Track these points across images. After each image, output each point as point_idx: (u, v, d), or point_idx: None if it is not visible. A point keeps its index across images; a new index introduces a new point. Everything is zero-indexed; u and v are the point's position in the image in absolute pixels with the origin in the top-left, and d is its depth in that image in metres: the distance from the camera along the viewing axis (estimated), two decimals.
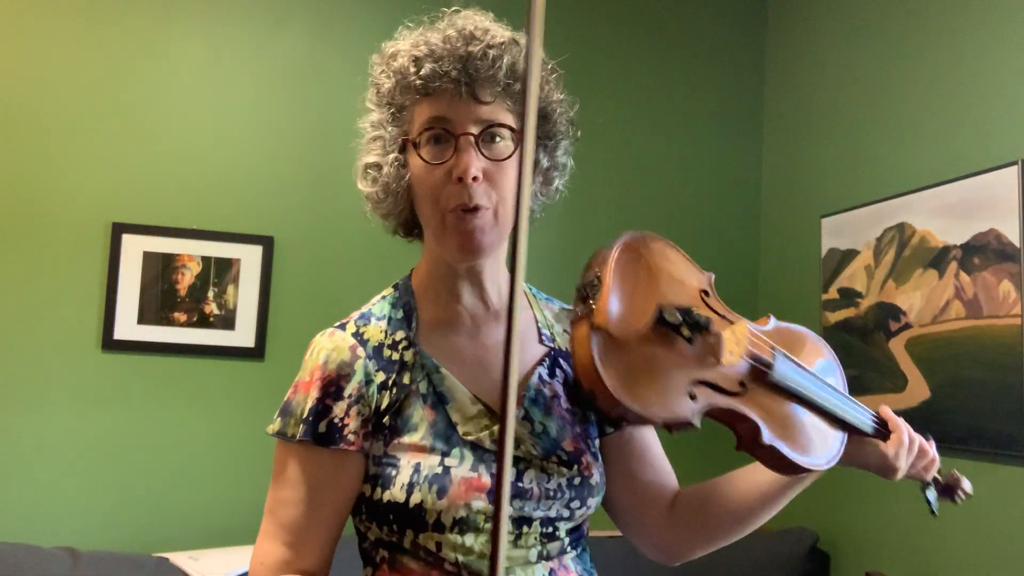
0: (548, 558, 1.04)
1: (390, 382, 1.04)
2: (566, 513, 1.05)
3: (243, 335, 2.65)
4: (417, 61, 1.02)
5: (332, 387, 1.03)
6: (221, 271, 2.65)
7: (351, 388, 1.03)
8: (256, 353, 2.66)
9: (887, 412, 1.15)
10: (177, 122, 2.67)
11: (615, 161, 3.03)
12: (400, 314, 1.09)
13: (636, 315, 0.95)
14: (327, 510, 1.03)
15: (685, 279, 1.03)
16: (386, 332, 1.07)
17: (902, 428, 1.14)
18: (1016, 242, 2.10)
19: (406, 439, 1.01)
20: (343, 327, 1.08)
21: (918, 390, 2.34)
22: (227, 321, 2.65)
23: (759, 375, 1.02)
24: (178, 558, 2.27)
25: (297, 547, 1.02)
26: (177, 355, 2.61)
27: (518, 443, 1.04)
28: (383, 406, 1.03)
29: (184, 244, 2.62)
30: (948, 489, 1.23)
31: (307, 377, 1.05)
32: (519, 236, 0.69)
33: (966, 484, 1.23)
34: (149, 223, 2.61)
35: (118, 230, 2.57)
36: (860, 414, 1.12)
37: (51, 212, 2.54)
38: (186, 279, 2.62)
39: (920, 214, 2.42)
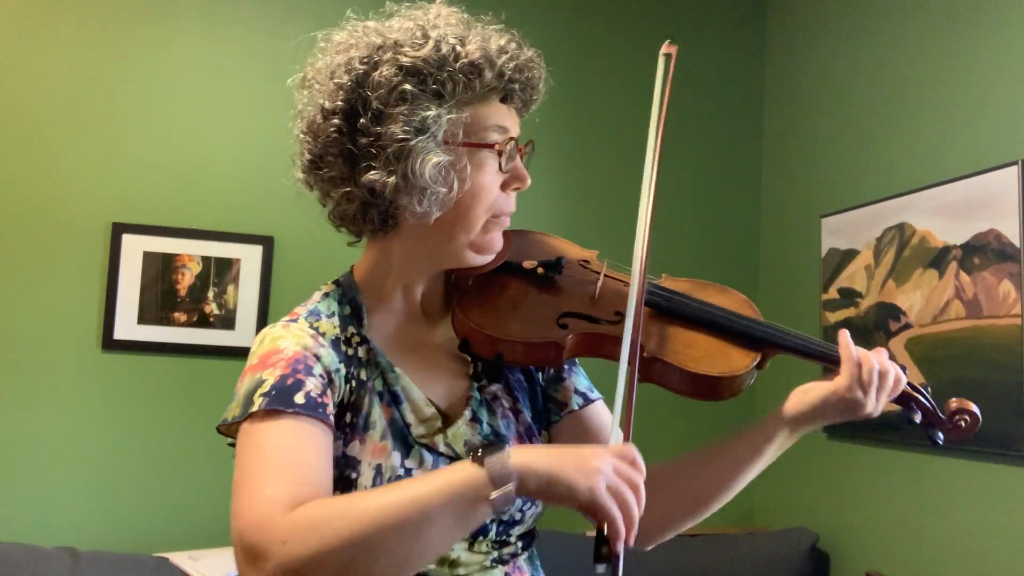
0: (503, 562, 1.03)
1: (349, 376, 0.99)
2: (518, 516, 1.04)
3: (243, 335, 2.65)
4: (492, 62, 1.00)
5: (300, 364, 0.94)
6: (221, 271, 2.65)
7: (320, 369, 0.96)
8: None
9: (844, 340, 1.09)
10: (177, 122, 2.67)
11: (614, 161, 3.03)
12: (348, 310, 1.05)
13: (492, 266, 1.08)
14: (323, 469, 0.90)
15: (563, 251, 1.16)
16: (339, 328, 1.02)
17: (855, 358, 1.06)
18: (1016, 242, 2.10)
19: (366, 437, 0.98)
20: (294, 321, 1.02)
21: None
22: (227, 321, 2.65)
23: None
24: (178, 558, 2.27)
25: (318, 487, 0.88)
26: (177, 355, 2.61)
27: (468, 446, 1.03)
28: (345, 400, 0.98)
29: (184, 244, 2.62)
30: (951, 419, 1.12)
31: (255, 361, 0.96)
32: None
33: (970, 405, 1.13)
34: (149, 223, 2.61)
35: (118, 230, 2.57)
36: (778, 332, 1.11)
37: (51, 212, 2.54)
38: (186, 279, 2.62)
39: (920, 214, 2.42)
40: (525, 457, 0.84)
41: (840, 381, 1.06)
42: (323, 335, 1.00)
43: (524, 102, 1.08)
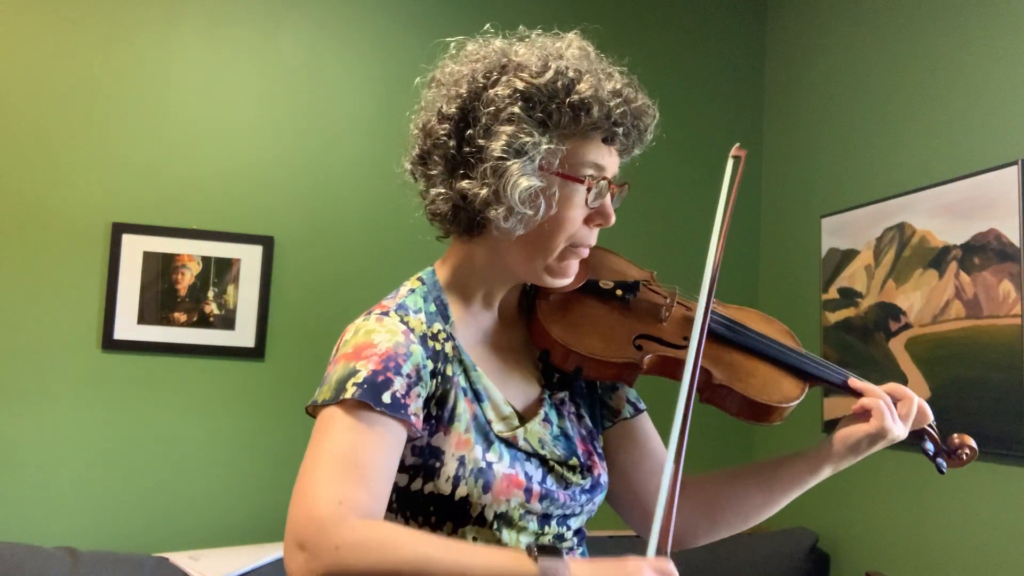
0: None
1: (436, 371, 1.03)
2: (577, 510, 1.10)
3: (243, 335, 2.65)
4: (601, 103, 1.04)
5: (391, 362, 0.98)
6: (221, 271, 2.65)
7: (409, 368, 0.99)
8: (256, 353, 2.66)
9: (856, 383, 1.18)
10: (177, 122, 2.67)
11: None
12: (433, 308, 1.09)
13: (574, 286, 1.15)
14: (388, 478, 0.94)
15: (624, 270, 1.23)
16: (425, 324, 1.06)
17: (877, 395, 1.15)
18: (1016, 242, 2.10)
19: (451, 429, 1.02)
20: (386, 314, 1.05)
21: (918, 390, 2.32)
22: (227, 321, 2.65)
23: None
24: (178, 558, 2.27)
25: (378, 497, 0.91)
26: (177, 355, 2.61)
27: (542, 444, 1.08)
28: (431, 394, 1.02)
29: (184, 244, 2.62)
30: (954, 452, 1.25)
31: (350, 350, 0.99)
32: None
33: (970, 440, 1.25)
34: (149, 223, 2.61)
35: (118, 230, 2.57)
36: (819, 367, 1.19)
37: (51, 212, 2.54)
38: (186, 279, 2.62)
39: (920, 214, 2.42)
40: (580, 569, 0.88)
41: (875, 423, 1.14)
42: (412, 331, 1.04)
43: (626, 146, 1.11)
